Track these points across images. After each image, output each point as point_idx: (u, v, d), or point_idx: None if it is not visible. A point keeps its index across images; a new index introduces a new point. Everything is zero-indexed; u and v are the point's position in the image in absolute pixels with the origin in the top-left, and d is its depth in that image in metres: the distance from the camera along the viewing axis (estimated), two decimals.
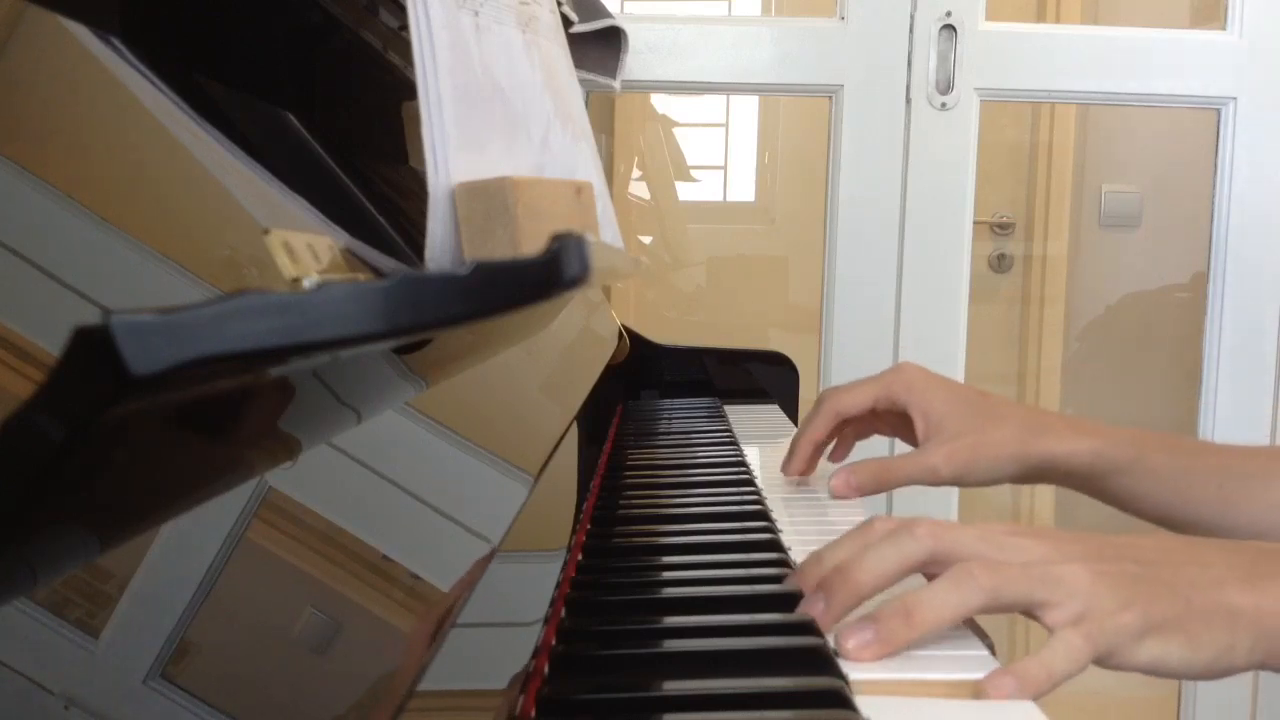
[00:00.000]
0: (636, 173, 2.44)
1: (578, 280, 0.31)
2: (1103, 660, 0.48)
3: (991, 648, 0.52)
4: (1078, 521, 2.30)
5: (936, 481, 0.78)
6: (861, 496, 0.79)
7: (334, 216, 0.49)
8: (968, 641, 0.51)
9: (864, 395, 0.82)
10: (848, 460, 0.86)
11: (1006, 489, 2.42)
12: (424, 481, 0.44)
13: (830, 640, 0.50)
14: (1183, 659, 0.48)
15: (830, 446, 0.87)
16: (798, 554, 0.64)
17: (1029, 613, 0.49)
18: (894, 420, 0.84)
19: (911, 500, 1.63)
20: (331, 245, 0.43)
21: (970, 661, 0.49)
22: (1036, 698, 0.47)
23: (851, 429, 0.87)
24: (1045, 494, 2.41)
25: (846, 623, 0.50)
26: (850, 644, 0.49)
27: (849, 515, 0.77)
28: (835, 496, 0.78)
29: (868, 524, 0.55)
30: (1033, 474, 0.78)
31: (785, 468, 0.84)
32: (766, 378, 1.29)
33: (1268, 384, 1.76)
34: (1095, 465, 0.76)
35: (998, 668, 0.48)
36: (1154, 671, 0.49)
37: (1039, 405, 2.41)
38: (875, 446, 0.93)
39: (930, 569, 0.52)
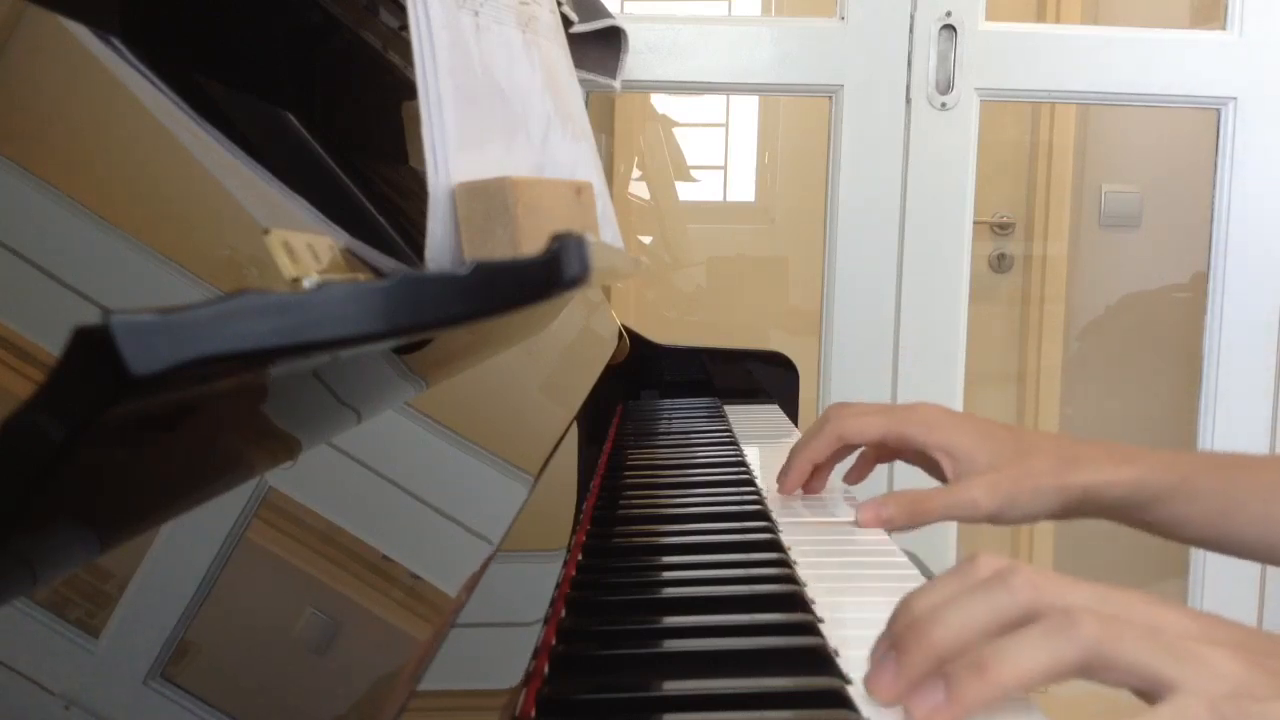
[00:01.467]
0: (636, 173, 2.44)
1: (578, 280, 0.31)
2: None
3: None
4: (1081, 535, 2.30)
5: (977, 516, 0.72)
6: (890, 529, 0.74)
7: (334, 216, 0.49)
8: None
9: (872, 427, 0.77)
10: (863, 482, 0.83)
11: None
12: (424, 481, 0.44)
13: (852, 674, 0.45)
14: None
15: (850, 457, 0.83)
16: (798, 554, 0.64)
17: (1146, 692, 0.41)
18: (900, 456, 0.80)
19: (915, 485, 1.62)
20: (331, 245, 0.43)
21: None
22: None
23: (871, 452, 0.83)
24: None
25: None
26: (919, 712, 0.42)
27: (850, 516, 0.77)
28: (862, 526, 0.73)
29: (970, 562, 0.46)
30: (1073, 506, 0.74)
31: (780, 483, 0.80)
32: (766, 378, 1.29)
33: (1268, 384, 1.76)
34: (1137, 494, 0.72)
35: None
36: None
37: (1040, 407, 2.41)
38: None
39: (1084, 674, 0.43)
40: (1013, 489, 0.72)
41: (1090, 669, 0.41)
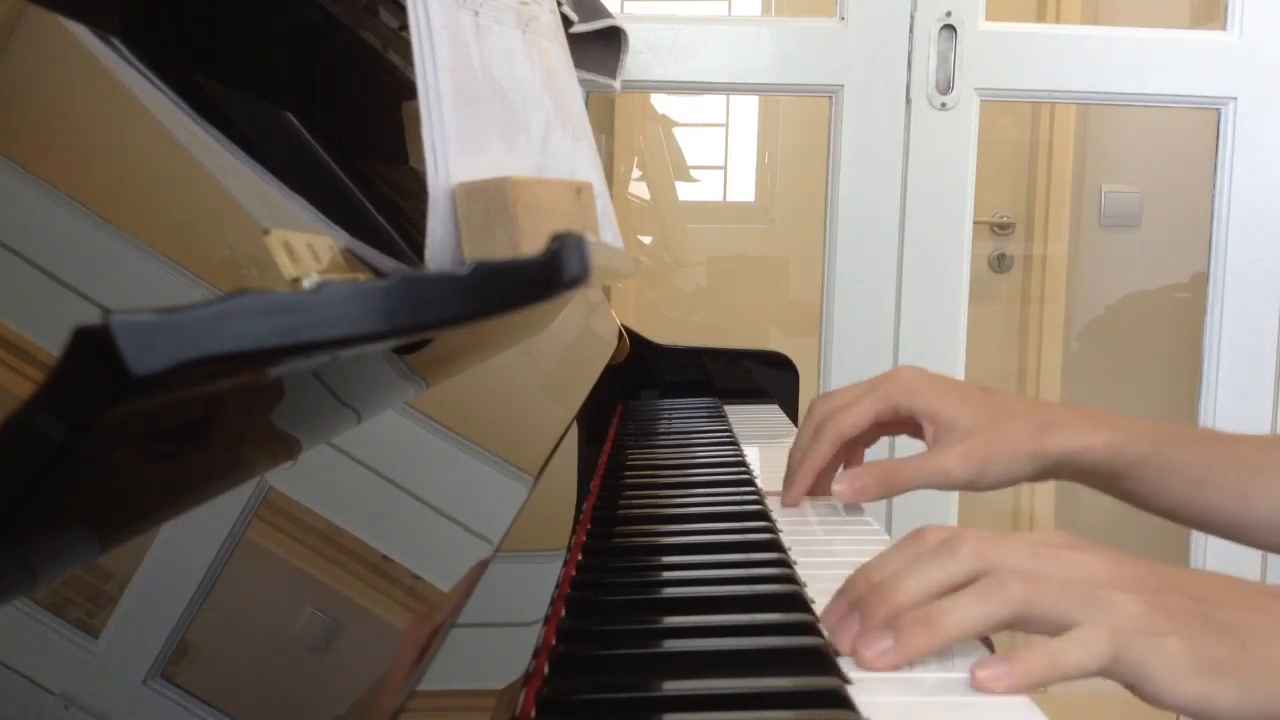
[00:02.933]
0: (636, 173, 2.44)
1: (578, 280, 0.31)
2: (1139, 686, 0.46)
3: (990, 648, 0.51)
4: (1078, 522, 2.31)
5: (949, 485, 0.74)
6: (868, 501, 0.76)
7: (334, 216, 0.49)
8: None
9: (864, 413, 0.78)
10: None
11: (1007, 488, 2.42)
12: (424, 481, 0.44)
13: (852, 674, 0.48)
14: (1234, 704, 0.45)
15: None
16: (798, 554, 0.64)
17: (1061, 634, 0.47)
18: (898, 426, 0.80)
19: (910, 501, 1.62)
20: (331, 245, 0.43)
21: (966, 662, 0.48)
22: (1034, 689, 0.45)
23: (859, 444, 0.83)
24: (1046, 496, 2.41)
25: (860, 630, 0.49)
26: (869, 653, 0.47)
27: (849, 516, 0.77)
28: (840, 501, 0.76)
29: (917, 535, 0.52)
30: (1048, 471, 0.75)
31: (785, 499, 0.79)
32: (766, 378, 1.29)
33: (1268, 384, 1.76)
34: (1111, 460, 0.73)
35: (992, 656, 0.46)
36: (1197, 712, 0.46)
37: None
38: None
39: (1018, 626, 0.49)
40: (986, 456, 0.73)
41: (1018, 622, 0.47)
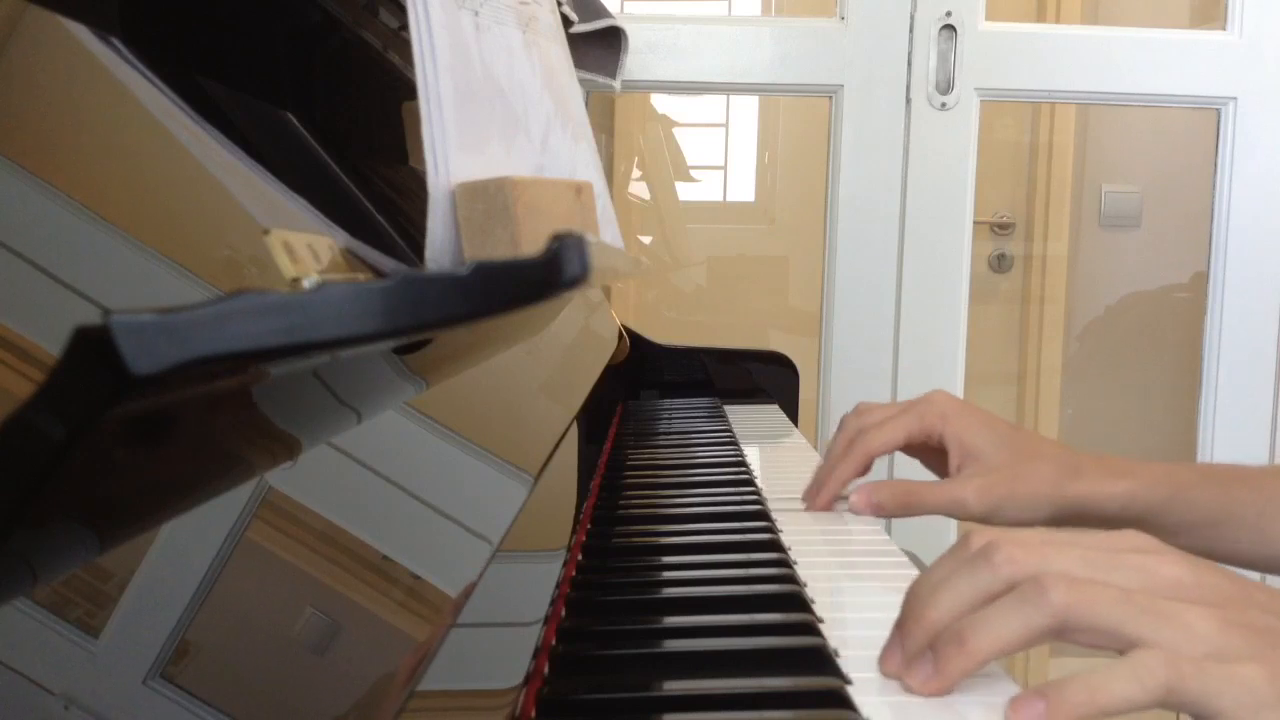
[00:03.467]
0: (636, 173, 2.44)
1: (578, 280, 0.31)
2: (1205, 719, 0.40)
3: None
4: None
5: (964, 515, 0.74)
6: (880, 516, 0.76)
7: (334, 216, 0.49)
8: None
9: (897, 433, 0.78)
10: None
11: None
12: (424, 481, 0.44)
13: (852, 674, 0.47)
14: None
15: None
16: (798, 554, 0.64)
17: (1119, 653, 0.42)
18: (925, 451, 0.80)
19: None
20: (331, 245, 0.43)
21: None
22: None
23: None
24: None
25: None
26: (914, 682, 0.45)
27: (849, 516, 0.77)
28: (854, 512, 0.76)
29: (963, 541, 0.48)
30: (1064, 517, 0.74)
31: (812, 500, 0.79)
32: (766, 378, 1.29)
33: (1268, 384, 1.76)
34: (1131, 508, 0.73)
35: (1026, 692, 0.42)
36: None
37: (1040, 407, 2.41)
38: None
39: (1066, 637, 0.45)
40: (1006, 494, 0.73)
41: (1063, 632, 0.43)
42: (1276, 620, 0.42)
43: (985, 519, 0.74)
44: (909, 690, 0.45)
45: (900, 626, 0.48)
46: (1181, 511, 0.73)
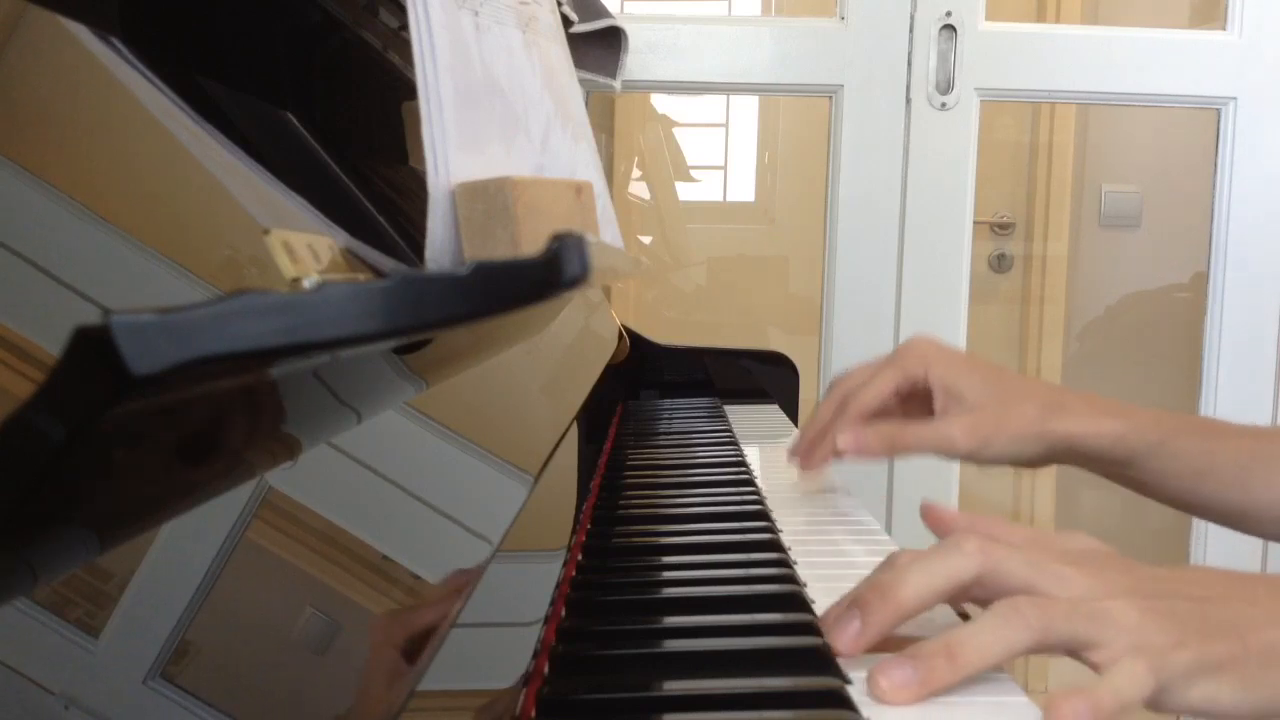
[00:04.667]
0: (636, 173, 2.44)
1: (578, 280, 0.31)
2: (1153, 699, 0.45)
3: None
4: (1079, 520, 2.30)
5: (952, 453, 0.74)
6: (869, 458, 0.75)
7: (334, 216, 0.49)
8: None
9: (885, 386, 0.78)
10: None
11: (1007, 485, 2.42)
12: (424, 481, 0.44)
13: (851, 674, 0.47)
14: (1235, 700, 0.45)
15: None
16: (798, 554, 0.64)
17: (1075, 653, 0.46)
18: (915, 400, 0.80)
19: (915, 484, 1.62)
20: (331, 245, 0.43)
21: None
22: None
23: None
24: (1046, 494, 2.41)
25: (881, 659, 0.46)
26: (885, 683, 0.45)
27: (850, 517, 0.77)
28: (841, 453, 0.75)
29: (896, 555, 0.51)
30: (1052, 455, 0.75)
31: (806, 459, 0.79)
32: (766, 378, 1.29)
33: (1268, 384, 1.76)
34: (1118, 449, 0.73)
35: (1067, 690, 0.44)
36: (1204, 712, 0.45)
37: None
38: None
39: (975, 591, 0.49)
40: (992, 431, 0.73)
41: (1037, 648, 0.46)
42: (1187, 602, 0.47)
43: (973, 455, 0.74)
44: (878, 692, 0.45)
45: (860, 603, 0.49)
46: (1166, 458, 0.74)
